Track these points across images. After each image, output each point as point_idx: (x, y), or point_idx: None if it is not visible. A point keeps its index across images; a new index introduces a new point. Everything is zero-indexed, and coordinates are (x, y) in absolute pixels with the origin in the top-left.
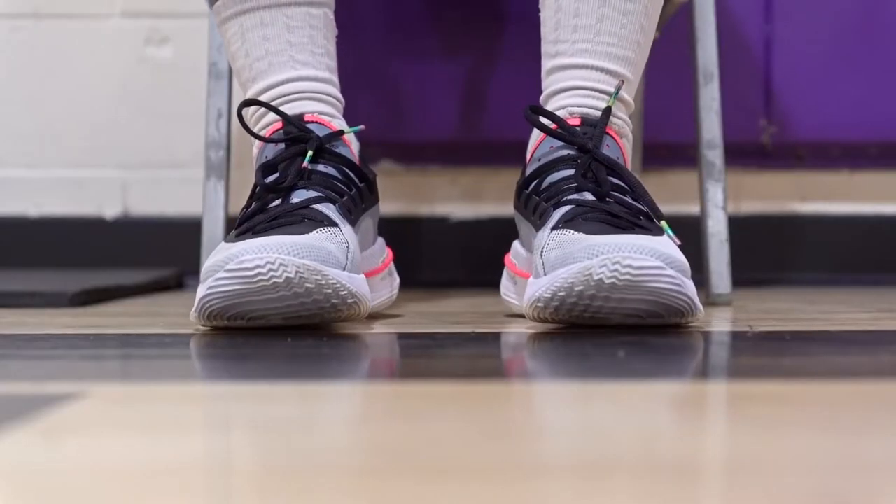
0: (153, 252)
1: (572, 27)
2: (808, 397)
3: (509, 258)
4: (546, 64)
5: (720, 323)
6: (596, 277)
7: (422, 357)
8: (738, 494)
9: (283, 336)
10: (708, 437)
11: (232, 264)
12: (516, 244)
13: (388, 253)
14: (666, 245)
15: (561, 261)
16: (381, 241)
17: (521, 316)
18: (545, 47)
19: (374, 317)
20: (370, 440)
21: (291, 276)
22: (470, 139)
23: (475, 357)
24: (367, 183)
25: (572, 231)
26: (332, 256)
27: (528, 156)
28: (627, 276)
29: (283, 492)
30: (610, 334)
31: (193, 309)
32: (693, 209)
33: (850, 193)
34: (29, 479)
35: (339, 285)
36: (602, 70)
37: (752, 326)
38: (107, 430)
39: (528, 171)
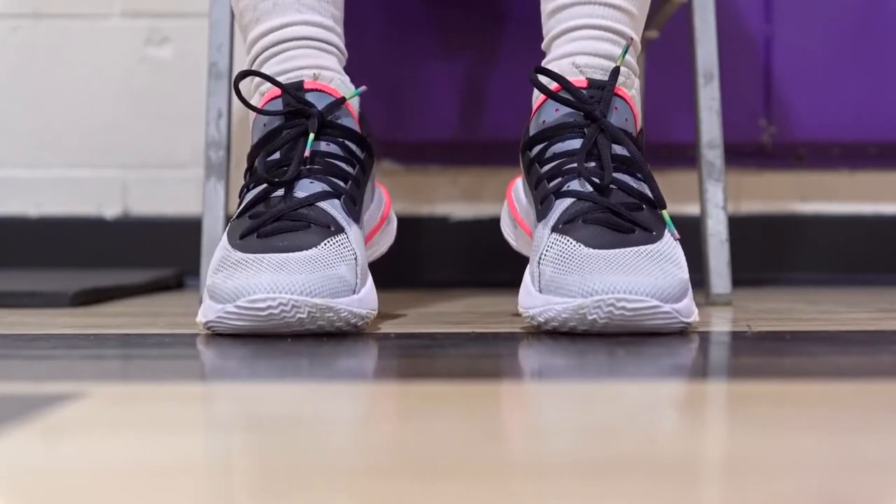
0: (153, 252)
1: None
2: (808, 397)
3: (510, 196)
4: (546, 7)
5: (720, 323)
6: (590, 318)
7: (421, 357)
8: (738, 494)
9: (284, 336)
10: (708, 437)
11: (242, 301)
12: (518, 184)
13: (385, 200)
14: (664, 262)
15: (555, 286)
16: (378, 191)
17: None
18: (543, 4)
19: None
20: (370, 440)
21: (304, 316)
22: (470, 139)
23: (475, 357)
24: (367, 150)
25: (570, 239)
26: (343, 282)
27: (533, 109)
28: (621, 318)
29: (282, 492)
30: (609, 334)
31: (200, 316)
32: (693, 209)
33: (850, 193)
34: (29, 479)
35: (349, 315)
36: (607, 4)
37: (750, 326)
38: (107, 430)
39: (532, 130)
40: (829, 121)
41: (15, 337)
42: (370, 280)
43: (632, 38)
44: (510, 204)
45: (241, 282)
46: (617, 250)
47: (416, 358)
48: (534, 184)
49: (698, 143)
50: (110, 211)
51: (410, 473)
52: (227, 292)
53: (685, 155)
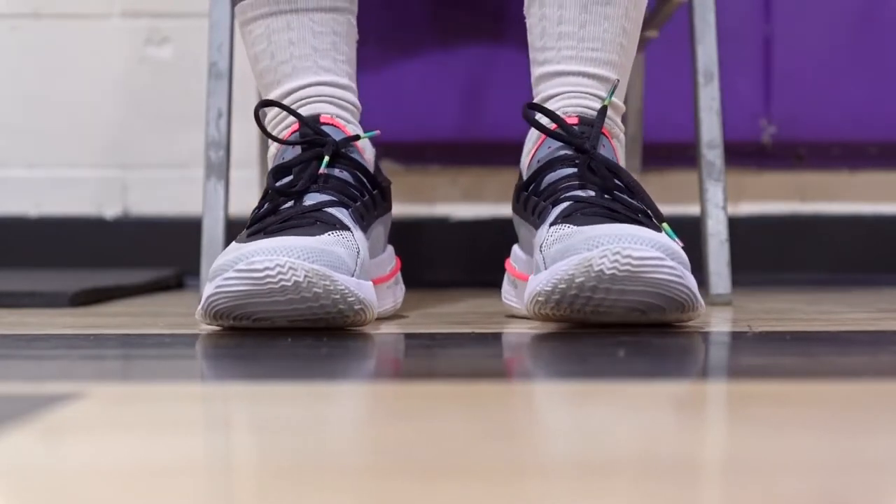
0: (153, 252)
1: (557, 34)
2: (808, 397)
3: (509, 262)
4: (535, 71)
5: (720, 323)
6: (596, 268)
7: (422, 357)
8: (738, 494)
9: (284, 336)
10: (708, 437)
11: (241, 265)
12: (516, 248)
13: (395, 262)
14: (665, 238)
15: (561, 254)
16: (390, 249)
17: (522, 316)
18: (533, 54)
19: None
20: (370, 440)
21: (300, 279)
22: (470, 139)
23: (475, 357)
24: (380, 190)
25: (571, 225)
26: (341, 262)
27: (528, 159)
28: (628, 267)
29: (283, 491)
30: (610, 334)
31: (199, 307)
32: (693, 209)
33: (850, 193)
34: (29, 479)
35: (346, 291)
36: (588, 75)
37: (751, 326)
38: (107, 430)
39: (527, 173)
40: (829, 121)
41: (15, 337)
42: (371, 284)
43: (617, 80)
44: (509, 269)
45: (241, 252)
46: (618, 224)
47: (416, 358)
48: (531, 211)
49: (698, 143)
50: (110, 211)
51: (411, 473)
52: (227, 264)
53: (685, 155)
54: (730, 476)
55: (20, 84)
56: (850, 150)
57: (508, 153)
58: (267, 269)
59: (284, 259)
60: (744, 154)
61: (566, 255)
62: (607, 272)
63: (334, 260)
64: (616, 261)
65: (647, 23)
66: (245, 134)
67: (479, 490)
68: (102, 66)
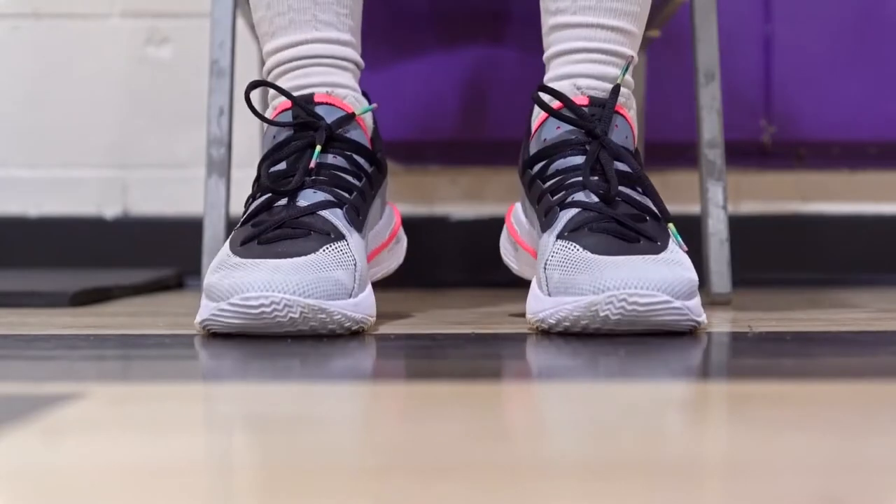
0: (153, 252)
1: None
2: (808, 397)
3: (510, 221)
4: (546, 21)
5: (720, 323)
6: (602, 314)
7: (422, 357)
8: (738, 494)
9: (283, 336)
10: (708, 437)
11: (236, 298)
12: (518, 208)
13: (395, 220)
14: (672, 264)
15: (565, 287)
16: (388, 210)
17: (522, 315)
18: (544, 3)
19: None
20: (370, 440)
21: (296, 316)
22: (470, 139)
23: (475, 357)
24: (376, 165)
25: (577, 246)
26: (339, 286)
27: (533, 130)
28: (633, 314)
29: (282, 491)
30: (610, 334)
31: (196, 320)
32: (694, 209)
33: (850, 193)
34: (29, 479)
35: (343, 318)
36: (608, 28)
37: (751, 327)
38: (107, 430)
39: (533, 149)
40: (829, 121)
41: (15, 337)
42: (370, 287)
43: (632, 57)
44: (510, 228)
45: (236, 280)
46: (623, 257)
47: (416, 358)
48: (536, 199)
49: (699, 142)
50: (110, 211)
51: (410, 473)
52: (222, 290)
53: (685, 155)
54: (730, 476)
55: (20, 84)
56: (850, 150)
57: (509, 153)
58: (262, 306)
59: (280, 296)
60: (744, 154)
61: (570, 291)
62: (612, 318)
63: (331, 286)
64: (622, 308)
65: (649, 23)
66: (246, 133)
67: (479, 490)
68: (102, 66)
